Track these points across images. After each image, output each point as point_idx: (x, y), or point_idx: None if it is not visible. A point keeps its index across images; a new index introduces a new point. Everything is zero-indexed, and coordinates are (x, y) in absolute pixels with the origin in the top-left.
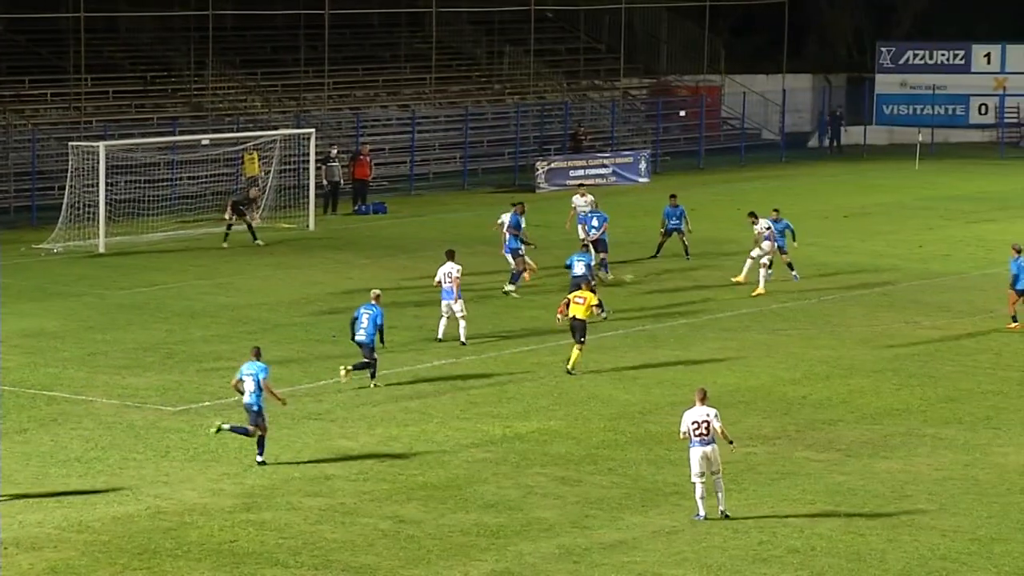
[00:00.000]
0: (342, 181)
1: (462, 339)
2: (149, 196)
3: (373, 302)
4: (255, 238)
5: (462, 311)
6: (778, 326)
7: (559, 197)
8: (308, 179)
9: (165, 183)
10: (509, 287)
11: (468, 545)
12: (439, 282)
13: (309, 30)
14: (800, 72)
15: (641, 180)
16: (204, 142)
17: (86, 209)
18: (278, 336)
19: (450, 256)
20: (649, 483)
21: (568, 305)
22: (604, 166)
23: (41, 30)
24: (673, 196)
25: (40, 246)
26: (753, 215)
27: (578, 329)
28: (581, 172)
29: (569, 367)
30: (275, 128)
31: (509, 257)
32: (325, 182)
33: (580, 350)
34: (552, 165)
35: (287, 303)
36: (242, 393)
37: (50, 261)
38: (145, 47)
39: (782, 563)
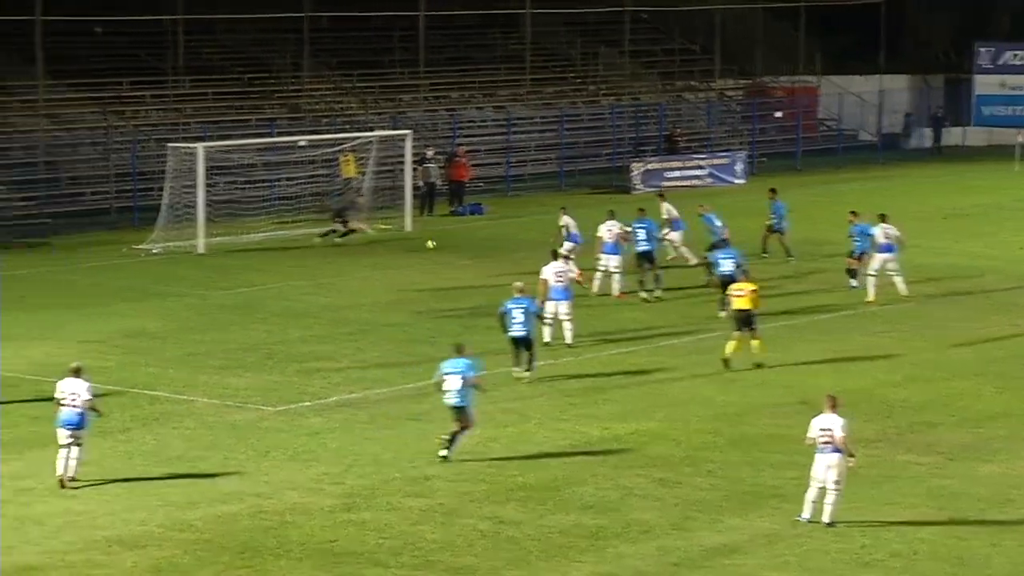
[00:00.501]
0: (439, 182)
1: (568, 340)
2: (247, 197)
3: (519, 295)
4: (327, 235)
5: (568, 313)
6: (878, 328)
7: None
8: (404, 180)
9: (263, 184)
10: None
11: (568, 546)
12: (546, 281)
13: (405, 31)
14: (897, 73)
15: (738, 181)
16: (301, 143)
17: (185, 210)
18: (377, 337)
19: (555, 256)
20: (749, 486)
21: (728, 301)
22: (700, 167)
23: (141, 32)
24: (773, 191)
25: (140, 247)
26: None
27: (744, 319)
28: (677, 173)
29: (727, 355)
30: (371, 129)
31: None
32: (422, 183)
33: (756, 338)
34: (648, 166)
35: (385, 304)
36: (443, 392)
37: (150, 262)
38: (243, 49)
39: (884, 567)
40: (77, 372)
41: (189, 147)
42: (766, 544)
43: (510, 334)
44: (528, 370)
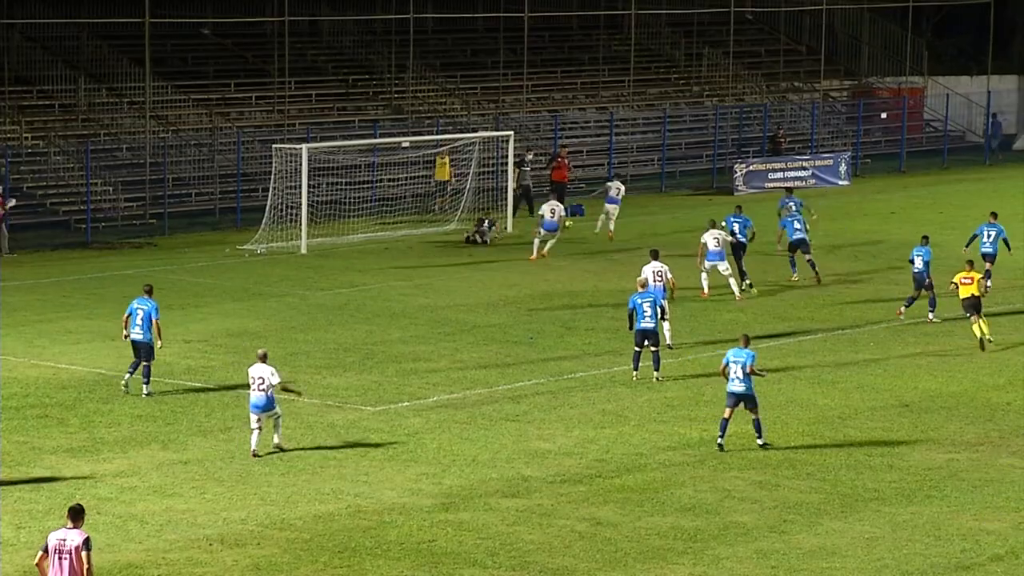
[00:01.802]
0: (532, 184)
1: (668, 342)
2: (350, 198)
3: (642, 290)
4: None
5: (666, 313)
6: None
7: (757, 200)
8: (506, 181)
9: (366, 185)
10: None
11: (665, 548)
12: (645, 280)
13: (508, 33)
14: (1006, 73)
15: (841, 183)
16: (404, 144)
17: (288, 211)
18: (476, 337)
19: (654, 256)
20: (848, 488)
21: (958, 288)
22: (804, 168)
23: (246, 34)
24: (994, 214)
25: (244, 247)
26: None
27: (974, 306)
28: (780, 175)
29: (985, 338)
30: (474, 130)
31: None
32: (517, 186)
33: (983, 321)
34: (751, 167)
35: (485, 304)
36: (728, 379)
37: (254, 262)
38: (347, 50)
39: (985, 571)
40: (264, 358)
41: (293, 148)
42: (865, 547)
43: (640, 326)
44: (656, 369)
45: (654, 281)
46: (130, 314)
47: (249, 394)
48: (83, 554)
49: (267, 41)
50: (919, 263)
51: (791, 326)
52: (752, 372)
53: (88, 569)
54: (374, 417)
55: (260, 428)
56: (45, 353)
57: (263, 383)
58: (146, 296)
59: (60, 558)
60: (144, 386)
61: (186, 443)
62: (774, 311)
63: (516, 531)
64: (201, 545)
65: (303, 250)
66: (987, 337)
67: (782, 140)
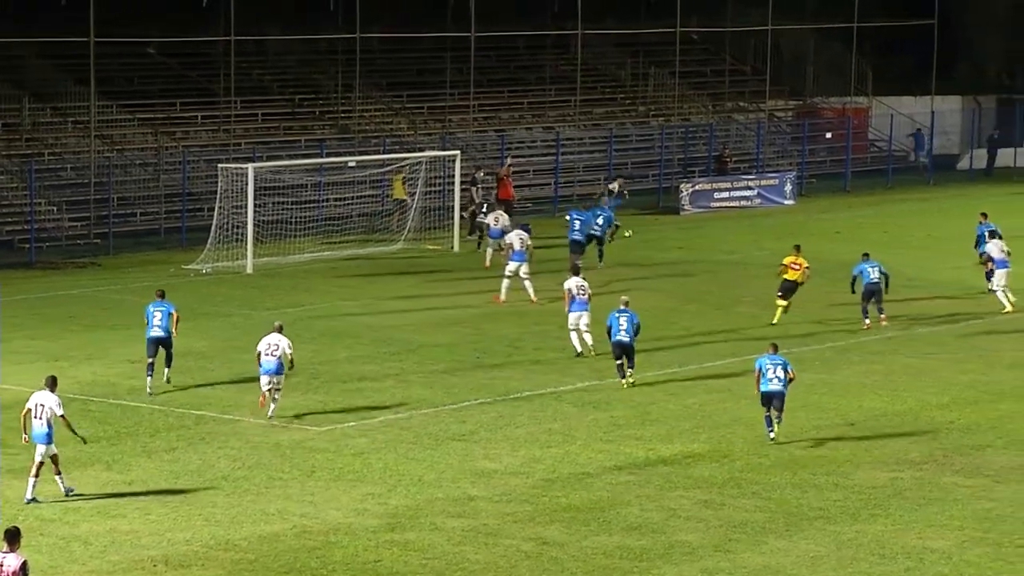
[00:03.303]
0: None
1: (589, 343)
2: (296, 217)
3: (623, 307)
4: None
5: (587, 325)
6: (926, 350)
7: (704, 219)
8: (453, 200)
9: (312, 204)
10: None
11: (611, 568)
12: (569, 290)
13: (455, 52)
14: (949, 94)
15: (786, 202)
16: (350, 164)
17: (234, 230)
18: (422, 357)
19: (576, 271)
20: (793, 507)
21: (786, 269)
22: (749, 188)
23: (192, 53)
24: (984, 214)
25: (190, 267)
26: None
27: (790, 290)
28: (726, 194)
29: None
30: (420, 150)
31: None
32: (470, 205)
33: (786, 306)
34: (696, 187)
35: (431, 324)
36: (768, 380)
37: (199, 282)
38: (293, 70)
39: None
40: (280, 329)
41: (239, 167)
42: (810, 565)
43: (616, 339)
44: (631, 367)
45: (578, 294)
46: (148, 318)
47: (260, 362)
48: None
49: (213, 60)
50: (875, 274)
51: (736, 345)
52: (790, 377)
53: None
54: (320, 437)
55: (271, 391)
56: None
57: (276, 350)
58: (160, 300)
59: None
60: (166, 373)
61: (130, 464)
62: (721, 329)
63: (462, 551)
64: (145, 566)
65: (249, 270)
66: (774, 321)
67: (728, 160)
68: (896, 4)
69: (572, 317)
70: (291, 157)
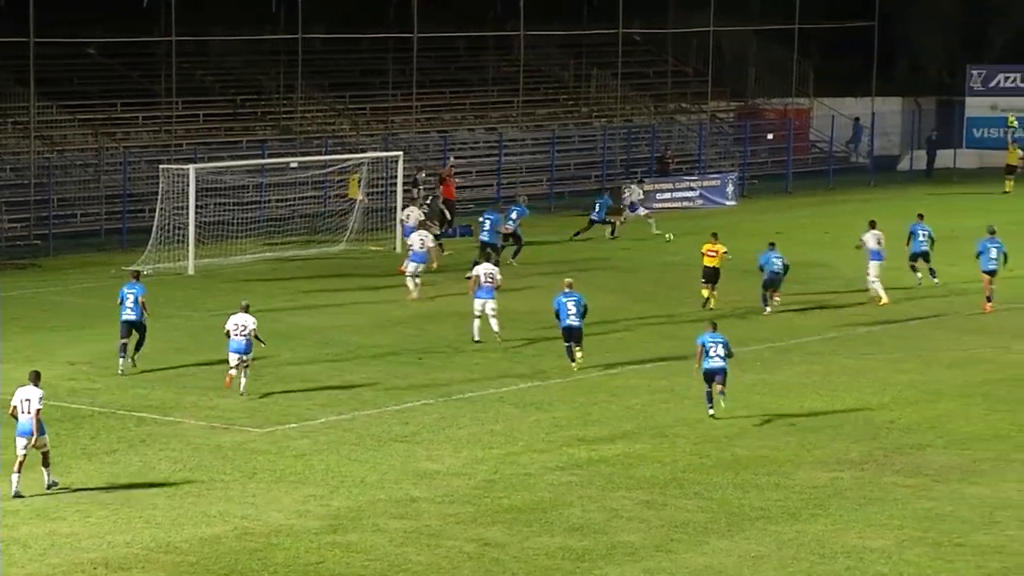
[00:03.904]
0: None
1: (495, 329)
2: (238, 219)
3: (568, 290)
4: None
5: (493, 310)
6: (865, 350)
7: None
8: (395, 202)
9: (254, 206)
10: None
11: (553, 568)
12: (477, 276)
13: (397, 53)
14: (890, 95)
15: (728, 203)
16: (293, 165)
17: (176, 231)
18: (363, 358)
19: (487, 258)
20: (735, 507)
21: (703, 256)
22: (691, 189)
23: (133, 54)
24: (920, 216)
25: (131, 268)
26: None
27: (711, 276)
28: (668, 195)
29: (710, 305)
30: (363, 151)
31: None
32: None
33: (714, 293)
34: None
35: (372, 325)
36: (710, 357)
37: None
38: (235, 70)
39: None
40: (246, 308)
41: (180, 168)
42: (751, 565)
43: (565, 323)
44: (579, 348)
45: (485, 280)
46: (122, 299)
47: (229, 340)
48: None
49: (155, 60)
50: (779, 264)
51: (676, 346)
52: (729, 353)
53: None
54: (261, 438)
55: (240, 368)
56: None
57: (244, 330)
58: (134, 281)
59: None
60: (133, 356)
61: (70, 466)
62: (662, 332)
63: (404, 552)
64: (85, 569)
65: (190, 271)
66: (711, 306)
67: (670, 160)
68: (837, 6)
69: (477, 303)
70: (233, 158)
